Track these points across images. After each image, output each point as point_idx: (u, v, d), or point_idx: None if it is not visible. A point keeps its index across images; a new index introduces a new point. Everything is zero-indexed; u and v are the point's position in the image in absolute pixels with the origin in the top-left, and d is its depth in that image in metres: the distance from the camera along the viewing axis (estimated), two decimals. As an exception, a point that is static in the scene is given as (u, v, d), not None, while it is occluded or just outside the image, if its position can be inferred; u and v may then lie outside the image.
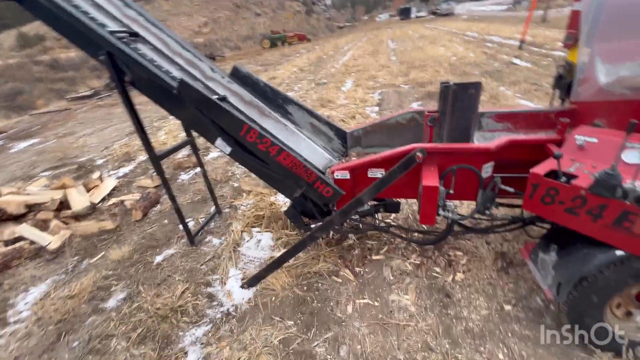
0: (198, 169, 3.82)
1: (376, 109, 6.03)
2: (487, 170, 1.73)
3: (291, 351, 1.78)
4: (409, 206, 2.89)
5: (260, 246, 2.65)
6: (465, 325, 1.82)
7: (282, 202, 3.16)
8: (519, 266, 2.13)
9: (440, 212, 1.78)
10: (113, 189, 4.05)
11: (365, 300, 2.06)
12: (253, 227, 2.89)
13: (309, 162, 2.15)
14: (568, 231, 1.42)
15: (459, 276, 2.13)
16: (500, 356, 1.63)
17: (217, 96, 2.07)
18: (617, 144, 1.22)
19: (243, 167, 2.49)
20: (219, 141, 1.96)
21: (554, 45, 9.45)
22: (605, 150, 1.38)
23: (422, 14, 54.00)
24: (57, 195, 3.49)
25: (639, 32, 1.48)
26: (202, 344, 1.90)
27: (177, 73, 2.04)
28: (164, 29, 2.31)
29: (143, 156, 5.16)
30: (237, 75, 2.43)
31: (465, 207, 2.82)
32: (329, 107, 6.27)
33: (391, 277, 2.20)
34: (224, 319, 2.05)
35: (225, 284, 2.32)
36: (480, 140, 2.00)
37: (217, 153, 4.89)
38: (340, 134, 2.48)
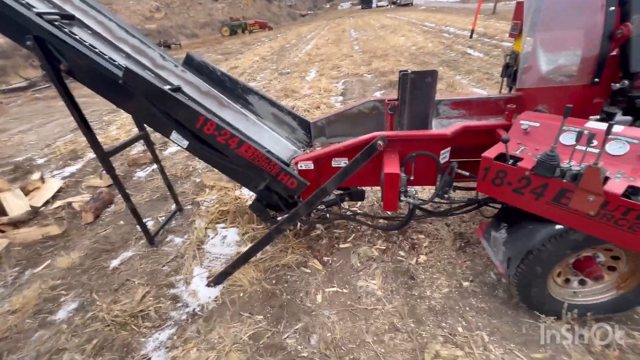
0: (155, 165, 3.59)
1: (340, 98, 6.05)
2: (444, 155, 1.81)
3: (261, 345, 1.76)
4: (374, 194, 2.95)
5: (226, 242, 2.57)
6: (428, 304, 1.92)
7: (248, 195, 3.08)
8: (475, 245, 2.29)
9: (402, 198, 1.84)
10: (58, 191, 3.68)
11: (334, 289, 2.09)
12: (218, 223, 2.79)
13: (272, 154, 2.10)
14: (516, 210, 1.54)
15: (422, 258, 2.23)
16: (460, 329, 1.74)
17: (169, 86, 1.93)
18: (556, 128, 1.32)
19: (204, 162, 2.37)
20: (175, 134, 1.84)
21: (503, 36, 10.04)
22: (546, 134, 1.49)
23: (383, 3, 54.51)
24: (-11, 200, 3.11)
25: (574, 23, 1.61)
26: (166, 347, 1.82)
27: (122, 61, 1.86)
28: (105, 13, 2.09)
29: (92, 154, 4.73)
30: (191, 64, 2.29)
31: (426, 192, 2.95)
32: (293, 97, 6.18)
33: (359, 264, 2.25)
34: (190, 319, 1.97)
35: (189, 283, 2.22)
36: (437, 127, 2.08)
37: (176, 147, 4.63)
38: (304, 124, 2.44)
